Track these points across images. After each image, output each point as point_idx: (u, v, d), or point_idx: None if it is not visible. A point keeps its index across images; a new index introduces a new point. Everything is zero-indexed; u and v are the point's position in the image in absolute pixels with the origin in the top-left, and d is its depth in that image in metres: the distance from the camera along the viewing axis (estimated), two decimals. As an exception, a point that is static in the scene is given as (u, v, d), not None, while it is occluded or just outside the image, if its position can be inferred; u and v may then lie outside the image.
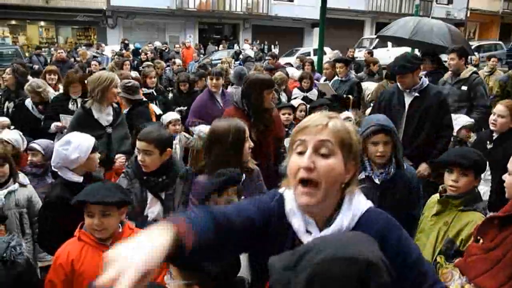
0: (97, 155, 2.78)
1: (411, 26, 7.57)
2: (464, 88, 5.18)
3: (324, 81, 6.87)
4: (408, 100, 3.92)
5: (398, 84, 4.00)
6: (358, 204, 1.28)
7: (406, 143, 3.86)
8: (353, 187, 1.27)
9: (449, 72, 5.49)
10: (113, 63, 7.99)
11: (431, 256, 2.40)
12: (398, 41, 8.78)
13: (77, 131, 3.50)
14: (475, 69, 5.74)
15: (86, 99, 3.80)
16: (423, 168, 3.73)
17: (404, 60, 3.93)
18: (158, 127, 2.91)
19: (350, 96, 6.39)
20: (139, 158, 2.63)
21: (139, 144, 2.64)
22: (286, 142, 3.89)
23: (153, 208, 2.68)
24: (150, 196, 2.68)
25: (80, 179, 2.65)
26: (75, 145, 2.64)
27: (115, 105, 3.83)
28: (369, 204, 1.30)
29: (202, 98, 5.00)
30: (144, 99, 4.99)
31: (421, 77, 3.98)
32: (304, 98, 6.08)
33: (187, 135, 4.95)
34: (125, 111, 4.70)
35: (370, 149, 2.65)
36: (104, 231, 2.12)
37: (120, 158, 3.60)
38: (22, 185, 3.10)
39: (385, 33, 8.47)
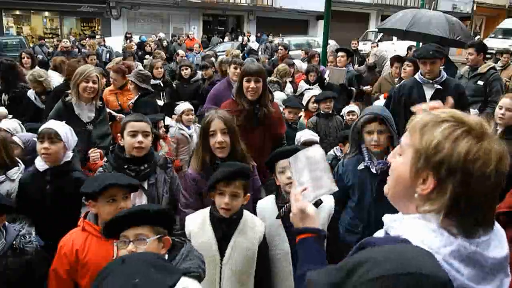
0: (42, 146, 2.65)
1: (409, 18, 7.54)
2: (480, 83, 5.17)
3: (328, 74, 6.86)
4: (428, 93, 3.88)
5: (422, 74, 3.92)
6: (407, 229, 1.04)
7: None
8: (429, 207, 1.03)
9: (466, 67, 5.50)
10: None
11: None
12: (397, 34, 8.73)
13: None
14: (493, 64, 5.72)
15: (67, 93, 3.67)
16: None
17: (435, 46, 3.90)
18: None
19: (353, 88, 6.42)
20: (138, 139, 2.56)
21: (137, 125, 2.59)
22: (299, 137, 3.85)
23: (139, 199, 2.62)
24: None
25: (40, 167, 2.67)
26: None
27: (99, 102, 3.72)
28: (417, 241, 1.01)
29: (219, 87, 4.96)
30: (152, 90, 4.97)
31: (441, 70, 3.95)
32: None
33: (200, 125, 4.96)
34: (132, 100, 4.72)
35: (365, 138, 2.67)
36: None
37: (92, 153, 3.38)
38: (9, 179, 2.84)
39: (384, 26, 8.45)
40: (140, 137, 2.57)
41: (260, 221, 2.36)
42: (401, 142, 1.15)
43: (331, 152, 4.33)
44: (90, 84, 3.52)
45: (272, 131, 3.48)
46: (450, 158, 0.99)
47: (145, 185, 2.65)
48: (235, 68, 4.92)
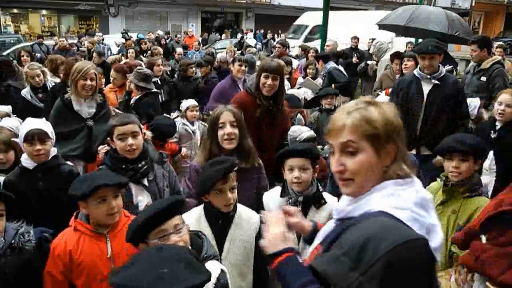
0: (33, 148, 2.61)
1: (408, 13, 7.55)
2: (483, 78, 5.17)
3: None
4: (426, 88, 3.88)
5: (420, 68, 3.93)
6: (375, 201, 1.19)
7: (425, 132, 3.87)
8: (394, 168, 1.23)
9: (473, 62, 5.55)
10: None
11: (444, 246, 2.38)
12: (396, 30, 8.71)
13: (58, 123, 3.41)
14: (499, 58, 5.65)
15: (66, 90, 3.65)
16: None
17: (434, 42, 3.93)
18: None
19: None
20: (128, 142, 2.52)
21: (123, 129, 2.53)
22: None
23: (141, 197, 2.61)
24: (133, 186, 2.58)
25: (30, 165, 2.64)
26: (20, 131, 2.71)
27: (99, 97, 3.69)
28: (385, 207, 1.16)
29: (223, 85, 4.99)
30: (152, 89, 4.93)
31: (439, 65, 3.94)
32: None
33: (204, 123, 4.95)
34: (133, 99, 4.69)
35: None
36: (117, 214, 2.12)
37: (103, 149, 3.34)
38: None
39: (384, 22, 8.41)
40: (129, 140, 2.52)
41: (254, 213, 2.36)
42: (337, 148, 1.25)
43: (327, 147, 4.31)
44: (88, 82, 3.48)
45: (282, 126, 3.57)
46: (396, 124, 1.23)
47: (145, 182, 2.63)
48: (240, 66, 4.93)
